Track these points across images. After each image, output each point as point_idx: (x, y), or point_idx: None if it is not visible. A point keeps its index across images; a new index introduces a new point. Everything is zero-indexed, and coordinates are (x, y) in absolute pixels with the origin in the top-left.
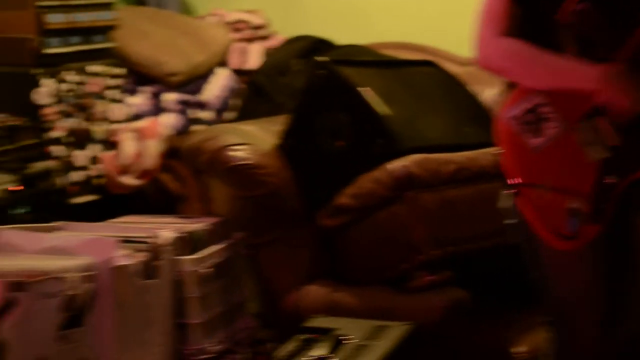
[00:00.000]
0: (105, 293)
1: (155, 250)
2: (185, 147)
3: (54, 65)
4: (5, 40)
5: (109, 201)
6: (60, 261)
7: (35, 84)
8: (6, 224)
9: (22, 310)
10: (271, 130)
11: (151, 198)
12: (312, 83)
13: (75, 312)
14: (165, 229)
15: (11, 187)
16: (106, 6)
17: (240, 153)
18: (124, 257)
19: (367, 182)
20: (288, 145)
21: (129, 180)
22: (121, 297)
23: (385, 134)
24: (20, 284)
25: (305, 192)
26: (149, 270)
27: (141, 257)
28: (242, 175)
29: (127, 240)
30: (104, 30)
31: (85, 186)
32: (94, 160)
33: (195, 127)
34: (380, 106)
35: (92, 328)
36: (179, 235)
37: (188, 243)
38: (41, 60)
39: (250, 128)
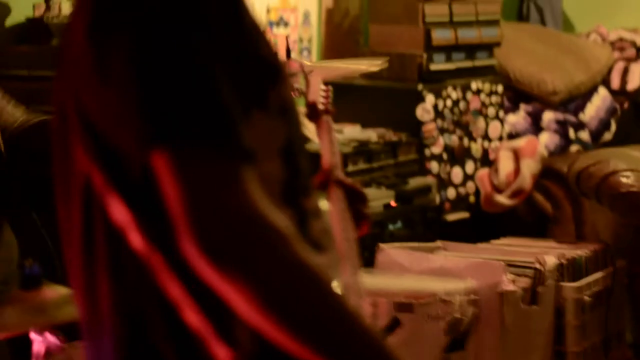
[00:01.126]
0: (489, 317)
1: (539, 276)
2: (572, 169)
3: (437, 81)
4: (394, 56)
5: (479, 219)
6: (445, 283)
7: (419, 100)
8: (383, 240)
9: (407, 331)
10: None
11: (522, 218)
12: None
13: (458, 336)
14: (547, 254)
15: (389, 203)
16: (493, 23)
17: (630, 180)
18: (510, 282)
19: None
20: None
21: (503, 199)
22: (505, 323)
23: None
24: (407, 305)
25: None
26: (532, 296)
27: (525, 282)
28: (630, 202)
29: (511, 264)
30: (488, 47)
31: (459, 203)
32: (470, 177)
33: (572, 148)
34: None
35: (474, 352)
36: (562, 261)
37: (570, 269)
38: (425, 76)
39: (638, 153)
